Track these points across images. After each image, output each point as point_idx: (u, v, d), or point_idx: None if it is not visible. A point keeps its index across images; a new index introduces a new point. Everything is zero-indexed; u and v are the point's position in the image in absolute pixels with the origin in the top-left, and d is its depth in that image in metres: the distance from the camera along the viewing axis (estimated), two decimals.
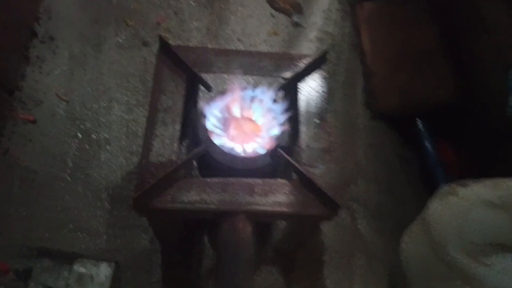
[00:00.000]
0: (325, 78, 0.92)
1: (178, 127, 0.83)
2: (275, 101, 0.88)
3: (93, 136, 1.17)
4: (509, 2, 1.07)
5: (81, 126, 1.17)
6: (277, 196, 0.78)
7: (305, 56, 0.94)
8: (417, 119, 1.29)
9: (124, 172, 1.13)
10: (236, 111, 0.88)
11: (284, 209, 0.77)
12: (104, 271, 0.93)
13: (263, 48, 1.38)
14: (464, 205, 0.86)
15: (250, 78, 0.95)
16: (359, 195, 1.18)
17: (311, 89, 0.90)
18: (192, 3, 1.43)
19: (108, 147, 1.16)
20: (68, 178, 1.10)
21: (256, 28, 1.41)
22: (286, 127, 0.86)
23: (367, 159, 1.24)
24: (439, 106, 1.29)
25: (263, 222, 0.93)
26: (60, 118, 1.18)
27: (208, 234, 1.03)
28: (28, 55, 1.23)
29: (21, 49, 1.21)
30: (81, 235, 1.04)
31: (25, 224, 1.03)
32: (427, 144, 1.27)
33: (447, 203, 0.89)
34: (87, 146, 1.15)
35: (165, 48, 0.89)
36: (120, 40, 1.32)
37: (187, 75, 0.88)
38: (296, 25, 1.43)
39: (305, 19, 1.45)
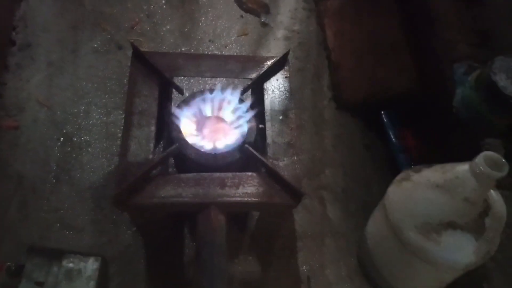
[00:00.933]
0: (287, 77, 1.00)
1: (153, 128, 0.90)
2: (241, 100, 0.96)
3: (74, 139, 1.22)
4: None
5: (63, 130, 1.23)
6: (246, 188, 0.87)
7: (269, 57, 1.02)
8: (382, 112, 1.38)
9: (106, 172, 1.19)
10: (206, 111, 0.96)
11: (253, 199, 0.86)
12: (91, 265, 1.00)
13: (234, 48, 1.45)
14: (414, 188, 0.96)
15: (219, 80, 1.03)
16: (327, 182, 1.27)
17: (275, 88, 0.99)
18: (164, 6, 1.49)
19: (89, 149, 1.22)
20: (53, 180, 1.16)
21: (226, 29, 1.48)
22: (253, 124, 0.94)
23: (334, 148, 1.33)
24: (401, 95, 1.36)
25: (237, 212, 1.01)
26: (42, 123, 1.23)
27: (187, 225, 1.11)
28: (7, 63, 1.28)
29: (0, 58, 1.26)
30: (68, 233, 1.10)
31: (16, 224, 1.09)
32: (391, 135, 1.36)
33: (402, 188, 0.98)
34: (69, 149, 1.21)
35: (137, 54, 0.96)
36: (96, 45, 1.38)
37: (159, 80, 0.95)
38: (264, 24, 1.51)
39: (272, 19, 1.53)
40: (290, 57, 1.03)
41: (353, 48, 1.43)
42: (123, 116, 1.26)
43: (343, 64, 1.43)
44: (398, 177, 1.01)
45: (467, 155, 0.87)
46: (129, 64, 1.33)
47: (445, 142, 1.26)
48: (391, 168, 1.31)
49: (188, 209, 0.86)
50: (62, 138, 1.22)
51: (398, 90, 1.36)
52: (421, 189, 0.93)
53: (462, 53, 1.14)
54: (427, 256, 0.90)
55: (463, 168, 0.84)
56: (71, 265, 0.99)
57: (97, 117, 1.27)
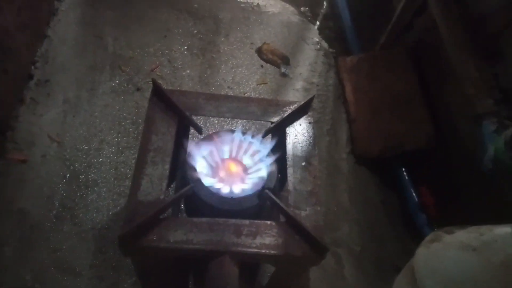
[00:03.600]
0: (311, 123, 0.96)
1: (167, 167, 0.85)
2: (262, 144, 0.91)
3: (82, 177, 1.17)
4: (479, 55, 1.14)
5: (71, 167, 1.18)
6: (264, 238, 0.79)
7: (292, 102, 0.99)
8: (403, 169, 1.34)
9: (111, 214, 1.13)
10: (224, 153, 0.91)
11: (271, 251, 0.78)
12: None
13: (253, 95, 1.44)
14: (446, 250, 0.87)
15: (239, 122, 0.99)
16: (343, 238, 1.19)
17: (298, 133, 0.94)
18: (185, 52, 1.50)
19: (96, 188, 1.16)
20: (54, 219, 1.09)
21: (245, 77, 1.48)
22: (274, 169, 0.88)
23: (350, 202, 1.26)
24: (417, 150, 1.33)
25: (250, 265, 0.92)
26: (51, 158, 1.19)
27: (193, 276, 1.02)
28: (23, 97, 1.27)
29: (16, 91, 1.25)
30: (64, 277, 1.01)
31: (11, 264, 1.01)
32: (411, 193, 1.31)
33: (432, 250, 0.90)
34: (75, 187, 1.16)
35: (157, 90, 0.93)
36: (114, 85, 1.37)
37: (178, 117, 0.92)
38: (284, 75, 1.51)
39: (292, 70, 1.53)
40: None
41: (369, 102, 1.42)
42: (134, 156, 1.22)
43: (360, 119, 1.41)
44: (428, 238, 0.93)
45: (494, 217, 0.81)
46: (146, 105, 1.31)
47: (467, 202, 1.20)
48: (407, 226, 1.25)
49: (199, 256, 0.78)
50: (68, 175, 1.17)
51: (413, 145, 1.33)
52: (453, 252, 0.85)
53: (485, 109, 1.10)
54: None
55: (504, 230, 0.77)
56: None
57: (107, 155, 1.22)
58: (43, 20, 1.40)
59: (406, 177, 1.33)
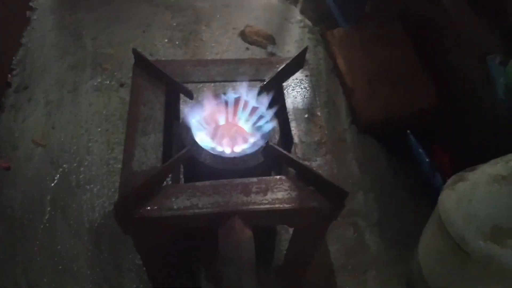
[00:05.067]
0: (308, 76, 0.90)
1: (160, 135, 0.78)
2: (258, 102, 0.85)
3: (73, 176, 1.09)
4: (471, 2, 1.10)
5: (59, 168, 1.11)
6: (276, 193, 0.72)
7: (284, 59, 0.93)
8: (408, 131, 1.28)
9: (107, 210, 1.05)
10: (220, 116, 0.84)
11: (285, 205, 0.70)
12: None
13: None
14: (475, 187, 0.81)
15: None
16: (358, 207, 1.12)
17: (296, 87, 0.88)
18: (167, 44, 1.45)
19: (88, 187, 1.08)
20: (46, 222, 1.01)
21: None
22: (274, 124, 0.81)
23: (361, 171, 1.19)
24: (423, 114, 1.28)
25: (263, 227, 0.84)
26: (37, 162, 1.11)
27: (201, 251, 0.93)
28: (2, 104, 1.20)
29: None
30: (64, 279, 0.92)
31: (5, 269, 0.92)
32: (421, 153, 1.25)
33: (456, 190, 0.83)
34: (66, 188, 1.08)
35: (140, 61, 0.87)
36: (96, 84, 1.31)
37: (165, 86, 0.85)
38: (271, 54, 1.46)
39: (279, 49, 1.48)
40: None
41: (365, 72, 1.37)
42: None
43: (357, 88, 1.35)
44: (450, 181, 0.86)
45: None
46: None
47: (482, 150, 1.14)
48: (425, 191, 1.18)
49: (207, 222, 0.70)
50: (58, 176, 1.09)
51: (418, 110, 1.27)
52: (482, 187, 0.78)
53: (491, 45, 1.04)
54: (497, 264, 0.73)
55: None
56: None
57: (97, 153, 1.15)
58: (15, 29, 1.34)
59: (416, 140, 1.27)
